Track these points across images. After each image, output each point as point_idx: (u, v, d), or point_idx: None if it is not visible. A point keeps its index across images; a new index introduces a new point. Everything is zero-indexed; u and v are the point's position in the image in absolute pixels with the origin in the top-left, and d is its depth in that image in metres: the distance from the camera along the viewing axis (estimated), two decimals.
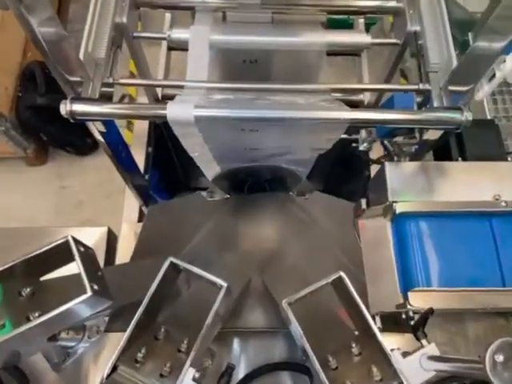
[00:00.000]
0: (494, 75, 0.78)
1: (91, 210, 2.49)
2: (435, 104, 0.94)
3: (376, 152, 1.31)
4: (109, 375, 0.69)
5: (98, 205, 2.49)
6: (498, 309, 0.92)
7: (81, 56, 0.90)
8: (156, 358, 0.74)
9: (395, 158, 1.12)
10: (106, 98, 0.96)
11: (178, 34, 1.08)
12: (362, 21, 1.27)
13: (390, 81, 1.23)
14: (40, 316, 0.71)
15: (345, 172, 1.83)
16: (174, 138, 0.96)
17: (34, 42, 0.77)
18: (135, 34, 1.06)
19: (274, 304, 1.04)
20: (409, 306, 0.89)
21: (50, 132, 2.37)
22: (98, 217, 2.43)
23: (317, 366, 0.69)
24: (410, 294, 0.90)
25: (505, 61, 0.74)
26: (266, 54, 1.11)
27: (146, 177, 1.58)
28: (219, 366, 0.90)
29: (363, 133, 1.23)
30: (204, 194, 1.44)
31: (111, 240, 1.21)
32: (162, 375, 0.71)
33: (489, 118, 2.08)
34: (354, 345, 0.76)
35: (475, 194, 0.97)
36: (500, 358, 0.48)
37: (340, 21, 1.95)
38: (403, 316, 0.91)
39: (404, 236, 0.96)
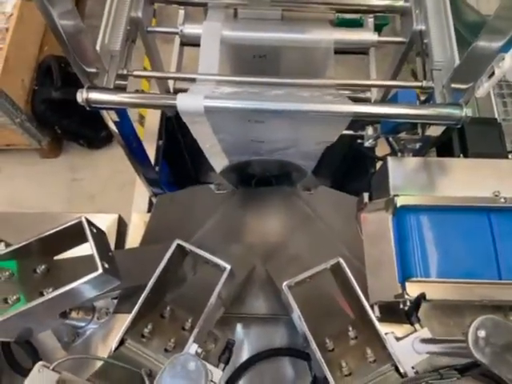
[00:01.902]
0: (493, 73, 0.80)
1: (102, 203, 2.55)
2: (438, 101, 0.97)
3: (383, 151, 1.34)
4: (117, 348, 0.73)
5: (109, 197, 2.55)
6: (494, 301, 0.94)
7: (97, 48, 0.94)
8: (161, 335, 0.78)
9: (399, 154, 1.15)
10: (121, 89, 1.00)
11: (191, 29, 1.12)
12: (371, 20, 1.30)
13: (395, 79, 1.25)
14: (53, 291, 0.75)
15: (351, 169, 1.86)
16: (184, 132, 1.00)
17: (55, 33, 0.81)
18: (149, 29, 1.10)
19: (276, 292, 1.08)
20: (406, 296, 0.92)
21: (64, 125, 2.43)
22: (108, 209, 2.47)
23: (313, 345, 0.72)
24: (407, 284, 0.92)
25: (504, 59, 0.77)
26: (275, 50, 1.15)
27: (157, 169, 1.62)
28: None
29: (369, 129, 1.26)
30: (212, 186, 1.47)
31: (121, 227, 1.25)
32: (166, 350, 0.75)
33: (498, 120, 2.09)
34: (350, 329, 0.79)
35: (475, 190, 0.99)
36: (482, 333, 0.50)
37: (351, 20, 1.98)
38: (401, 306, 0.94)
39: (404, 228, 0.99)
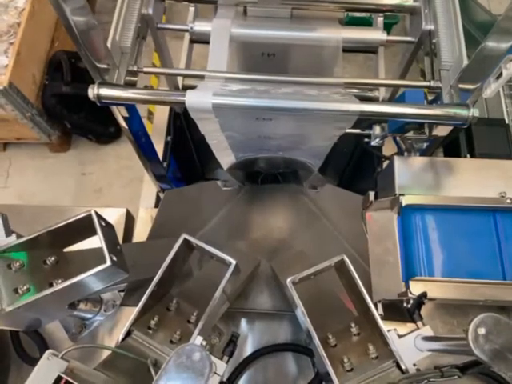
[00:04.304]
0: (501, 74, 0.80)
1: (110, 197, 2.57)
2: (445, 101, 0.97)
3: (390, 150, 1.35)
4: (123, 338, 0.74)
5: (117, 192, 2.58)
6: (498, 301, 0.94)
7: (108, 44, 0.96)
8: (167, 327, 0.79)
9: (405, 154, 1.15)
10: (131, 86, 1.01)
11: (201, 26, 1.13)
12: (380, 19, 1.30)
13: (404, 78, 1.25)
14: (62, 282, 0.77)
15: (358, 168, 1.86)
16: (192, 128, 1.02)
17: (67, 28, 0.82)
18: (160, 26, 1.11)
19: (280, 288, 1.09)
20: (410, 295, 0.92)
21: (73, 120, 2.45)
22: (116, 203, 2.50)
23: (316, 341, 0.73)
24: (411, 282, 0.93)
25: (511, 60, 0.77)
26: (284, 48, 1.15)
27: (164, 164, 1.64)
28: None
29: (376, 129, 1.27)
30: (219, 182, 1.49)
31: (129, 221, 1.27)
32: (172, 342, 0.76)
33: (507, 121, 2.07)
34: (353, 325, 0.80)
35: (481, 191, 1.00)
36: (482, 330, 0.51)
37: (361, 19, 1.98)
38: (404, 304, 0.95)
39: (409, 227, 0.99)
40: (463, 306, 1.13)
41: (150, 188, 1.63)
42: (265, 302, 1.16)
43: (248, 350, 1.08)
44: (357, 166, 1.85)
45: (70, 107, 2.38)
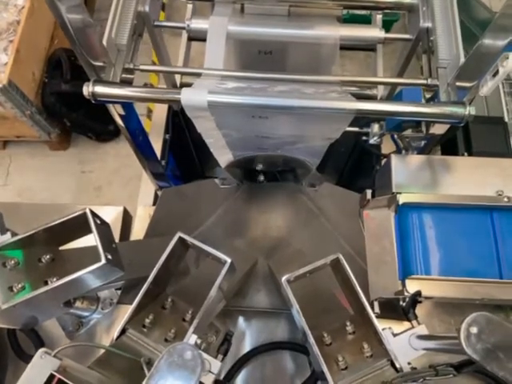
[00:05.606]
0: (497, 72, 0.80)
1: (109, 195, 2.58)
2: (442, 99, 0.96)
3: (389, 148, 1.34)
4: (118, 337, 0.74)
5: (116, 190, 2.58)
6: (494, 300, 0.94)
7: (104, 42, 0.95)
8: (162, 325, 0.79)
9: (403, 152, 1.15)
10: (127, 83, 1.01)
11: (197, 24, 1.13)
12: (379, 16, 1.29)
13: (402, 75, 1.25)
14: (57, 280, 0.77)
15: (357, 166, 1.86)
16: (191, 127, 1.01)
17: (62, 27, 0.82)
18: (156, 23, 1.11)
19: (278, 287, 1.09)
20: (406, 293, 0.92)
21: (72, 118, 2.46)
22: (115, 201, 2.51)
23: (311, 339, 0.73)
24: (407, 281, 0.93)
25: (507, 58, 0.77)
26: (281, 46, 1.15)
27: (163, 163, 1.64)
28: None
29: (374, 127, 1.26)
30: (217, 181, 1.49)
31: (127, 219, 1.27)
32: (166, 340, 0.76)
33: (507, 119, 2.07)
34: (348, 324, 0.80)
35: (478, 189, 0.99)
36: (474, 329, 0.51)
37: (360, 16, 1.97)
38: (401, 302, 0.95)
39: (406, 226, 0.99)
40: (461, 304, 1.13)
41: (148, 186, 1.63)
42: (262, 300, 1.16)
43: (245, 347, 1.08)
44: (355, 164, 1.84)
45: (69, 105, 2.38)
